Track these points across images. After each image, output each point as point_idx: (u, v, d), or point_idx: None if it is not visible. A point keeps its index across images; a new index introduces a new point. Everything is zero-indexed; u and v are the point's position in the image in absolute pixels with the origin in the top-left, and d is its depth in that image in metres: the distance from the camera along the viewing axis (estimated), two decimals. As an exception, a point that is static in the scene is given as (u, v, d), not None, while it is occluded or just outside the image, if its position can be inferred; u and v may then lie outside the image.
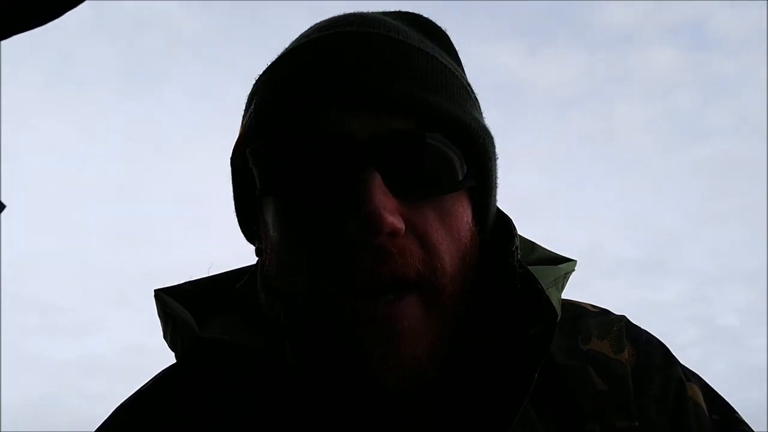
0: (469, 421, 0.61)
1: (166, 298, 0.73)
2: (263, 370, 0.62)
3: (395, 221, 0.56)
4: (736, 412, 0.74)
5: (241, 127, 0.69)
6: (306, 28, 0.72)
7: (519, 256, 0.69)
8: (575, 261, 0.77)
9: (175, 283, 0.77)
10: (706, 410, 0.71)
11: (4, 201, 0.72)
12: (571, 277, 0.76)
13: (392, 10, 0.73)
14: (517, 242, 0.70)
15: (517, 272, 0.66)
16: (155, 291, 0.75)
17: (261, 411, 0.62)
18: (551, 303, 0.64)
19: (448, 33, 0.74)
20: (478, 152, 0.64)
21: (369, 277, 0.57)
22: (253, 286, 0.73)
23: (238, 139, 0.68)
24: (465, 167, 0.63)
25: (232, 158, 0.69)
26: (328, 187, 0.59)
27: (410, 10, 0.73)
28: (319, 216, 0.59)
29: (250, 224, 0.73)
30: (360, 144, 0.58)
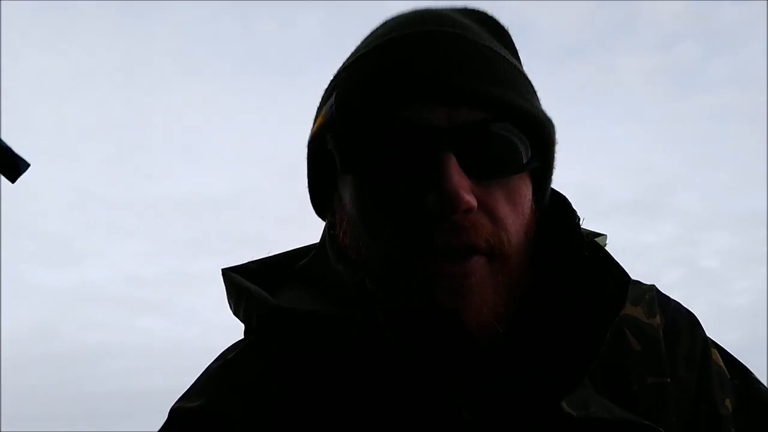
0: (544, 375, 0.67)
1: (235, 276, 0.78)
2: (348, 338, 0.67)
3: (470, 199, 0.62)
4: (751, 372, 0.80)
5: (320, 116, 0.73)
6: (379, 22, 0.76)
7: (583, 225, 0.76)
8: (606, 235, 0.86)
9: (240, 263, 0.81)
10: (727, 373, 0.77)
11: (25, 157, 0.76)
12: None
13: (461, 7, 0.78)
14: (579, 215, 0.76)
15: (585, 240, 0.73)
16: (223, 270, 0.79)
17: (352, 377, 0.66)
18: (622, 267, 0.71)
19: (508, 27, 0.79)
20: (541, 138, 0.70)
21: (445, 247, 0.63)
22: (321, 261, 0.77)
23: (317, 125, 0.73)
24: (530, 151, 0.69)
25: (310, 142, 0.74)
26: (409, 167, 0.65)
27: (477, 8, 0.78)
28: (399, 191, 0.65)
29: (322, 201, 0.77)
30: (438, 132, 0.64)
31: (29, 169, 0.79)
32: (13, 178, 0.77)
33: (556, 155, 0.73)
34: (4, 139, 0.75)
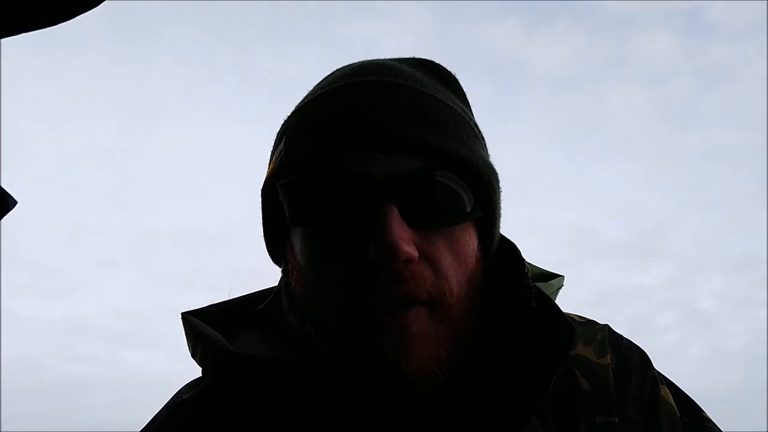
0: (487, 423, 0.68)
1: (193, 319, 0.79)
2: (297, 383, 0.68)
3: (410, 250, 0.63)
4: (703, 411, 0.81)
5: (272, 162, 0.75)
6: (322, 72, 0.79)
7: (536, 280, 0.77)
8: (563, 276, 0.85)
9: (198, 307, 0.83)
10: (677, 410, 0.78)
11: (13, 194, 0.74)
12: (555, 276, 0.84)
13: (406, 57, 0.80)
14: (527, 265, 0.77)
15: (532, 292, 0.73)
16: (182, 314, 0.81)
17: (301, 421, 0.68)
18: (567, 320, 0.71)
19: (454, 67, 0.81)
20: (483, 187, 0.71)
21: (387, 297, 0.64)
22: (276, 306, 0.79)
23: (268, 173, 0.75)
24: (472, 201, 0.70)
25: (262, 190, 0.76)
26: (351, 218, 0.66)
27: (422, 57, 0.80)
28: (343, 242, 0.66)
29: (277, 248, 0.79)
30: (379, 181, 0.65)
31: (16, 206, 0.76)
32: (-1, 216, 0.75)
33: (500, 204, 0.75)
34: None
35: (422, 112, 0.68)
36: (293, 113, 0.76)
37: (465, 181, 0.68)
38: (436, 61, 0.80)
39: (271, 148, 0.78)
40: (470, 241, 0.71)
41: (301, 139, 0.71)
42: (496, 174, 0.73)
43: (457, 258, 0.69)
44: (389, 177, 0.65)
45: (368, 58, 0.78)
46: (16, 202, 0.78)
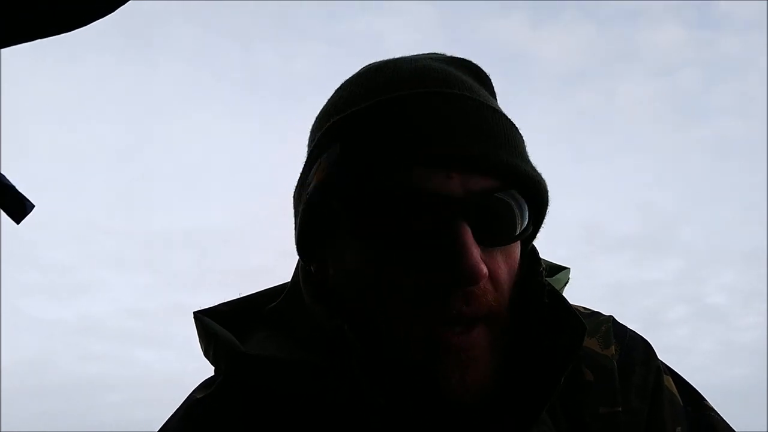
0: (500, 419, 0.69)
1: (205, 319, 0.79)
2: (309, 383, 0.68)
3: (486, 271, 0.64)
4: (706, 400, 0.82)
5: (322, 165, 0.71)
6: (369, 69, 0.77)
7: (545, 274, 0.78)
8: (569, 269, 0.86)
9: (210, 305, 0.83)
10: (680, 400, 0.79)
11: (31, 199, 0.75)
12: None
13: (444, 56, 0.78)
14: (544, 264, 0.78)
15: (546, 290, 0.74)
16: (194, 313, 0.80)
17: (315, 421, 0.68)
18: (579, 317, 0.72)
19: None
20: (541, 204, 0.72)
21: (456, 314, 0.65)
22: (290, 304, 0.78)
23: (318, 180, 0.71)
24: (527, 216, 0.70)
25: (310, 194, 0.72)
26: (424, 236, 0.65)
27: (463, 58, 0.78)
28: (415, 258, 0.66)
29: (311, 249, 0.76)
30: (455, 201, 0.65)
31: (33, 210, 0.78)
32: (18, 220, 0.76)
33: (546, 216, 0.75)
34: (9, 178, 0.74)
35: (489, 128, 0.68)
36: (346, 117, 0.72)
37: (526, 199, 0.69)
38: (472, 61, 0.79)
39: (310, 149, 0.76)
40: (518, 250, 0.72)
41: (366, 149, 0.67)
42: (547, 187, 0.73)
43: (510, 269, 0.70)
44: (463, 196, 0.65)
45: (404, 55, 0.77)
46: (33, 206, 0.79)
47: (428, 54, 0.78)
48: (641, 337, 0.83)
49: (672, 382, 0.80)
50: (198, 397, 0.77)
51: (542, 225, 0.75)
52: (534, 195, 0.70)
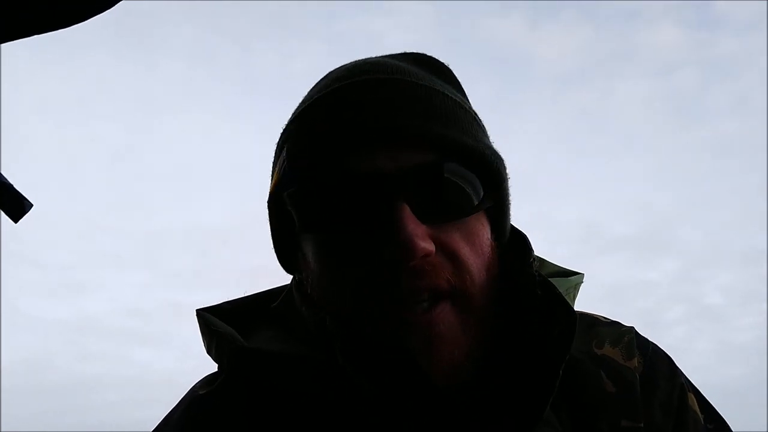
0: (503, 416, 0.68)
1: (208, 316, 0.80)
2: (312, 377, 0.68)
3: (426, 245, 0.63)
4: (727, 424, 0.81)
5: (275, 173, 0.75)
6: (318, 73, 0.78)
7: (537, 265, 0.77)
8: (583, 274, 0.85)
9: (213, 304, 0.83)
10: (702, 419, 0.78)
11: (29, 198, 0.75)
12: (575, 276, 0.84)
13: (398, 53, 0.79)
14: (534, 254, 0.77)
15: (536, 279, 0.73)
16: (197, 311, 0.81)
17: (316, 415, 0.68)
18: (569, 305, 0.71)
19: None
20: (492, 176, 0.71)
21: (408, 291, 0.65)
22: (289, 304, 0.79)
23: (273, 184, 0.74)
24: (481, 190, 0.70)
25: (269, 201, 0.75)
26: (363, 219, 0.66)
27: (414, 51, 0.80)
28: (358, 244, 0.66)
29: (288, 258, 0.79)
30: (388, 178, 0.65)
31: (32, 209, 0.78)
32: (16, 219, 0.77)
33: (509, 190, 0.75)
34: (7, 177, 0.75)
35: (421, 104, 0.68)
36: (291, 121, 0.75)
37: (473, 171, 0.68)
38: (429, 54, 0.79)
39: (273, 158, 0.78)
40: (483, 229, 0.71)
41: (303, 146, 0.70)
42: (503, 160, 0.73)
43: (474, 247, 0.69)
44: (395, 173, 0.64)
45: (362, 57, 0.78)
46: (32, 205, 0.80)
47: (390, 54, 0.79)
48: (664, 351, 0.82)
49: (695, 401, 0.79)
50: (200, 393, 0.77)
51: (506, 202, 0.75)
52: (484, 168, 0.69)
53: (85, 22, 0.72)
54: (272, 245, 0.79)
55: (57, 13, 0.67)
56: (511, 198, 0.76)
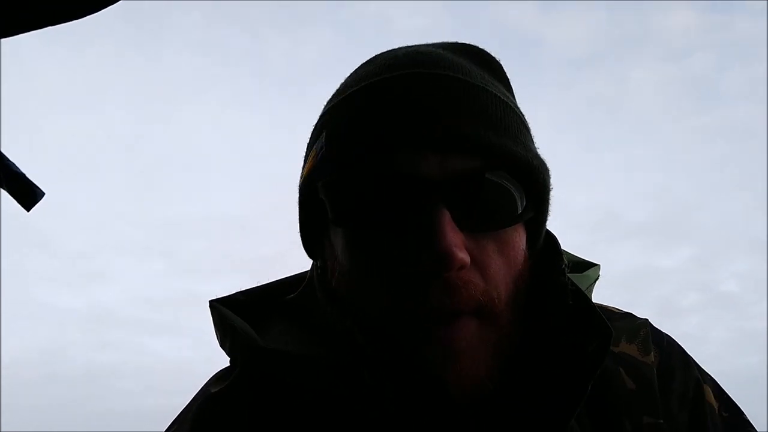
0: (526, 430, 0.66)
1: (223, 309, 0.77)
2: (328, 379, 0.66)
3: (464, 257, 0.61)
4: (744, 413, 0.80)
5: (310, 157, 0.72)
6: (366, 58, 0.75)
7: (568, 272, 0.74)
8: (599, 266, 0.83)
9: (228, 294, 0.81)
10: (717, 408, 0.77)
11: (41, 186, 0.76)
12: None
13: (449, 42, 0.76)
14: (565, 260, 0.74)
15: (569, 290, 0.71)
16: (210, 302, 0.78)
17: (331, 417, 0.67)
18: (605, 320, 0.68)
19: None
20: (537, 187, 0.68)
21: (438, 308, 0.62)
22: (308, 298, 0.77)
23: (307, 169, 0.71)
24: (524, 200, 0.67)
25: (300, 186, 0.72)
26: (401, 220, 0.63)
27: (465, 42, 0.76)
28: (391, 246, 0.64)
29: (314, 244, 0.76)
30: (431, 183, 0.62)
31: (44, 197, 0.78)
32: (28, 207, 0.77)
33: (551, 202, 0.71)
34: (20, 166, 0.75)
35: (474, 107, 0.65)
36: (334, 105, 0.72)
37: (518, 180, 0.66)
38: (480, 47, 0.76)
39: (308, 141, 0.75)
40: (519, 241, 0.68)
41: (345, 135, 0.67)
42: (549, 171, 0.70)
43: (506, 261, 0.66)
44: (441, 178, 0.62)
45: (406, 45, 0.74)
46: (43, 194, 0.80)
47: (437, 42, 0.76)
48: (678, 343, 0.80)
49: (710, 390, 0.77)
50: (213, 391, 0.75)
51: (546, 213, 0.72)
52: (529, 178, 0.66)
53: (83, 20, 0.71)
54: (299, 230, 0.76)
55: (57, 13, 0.67)
56: (551, 208, 0.73)
